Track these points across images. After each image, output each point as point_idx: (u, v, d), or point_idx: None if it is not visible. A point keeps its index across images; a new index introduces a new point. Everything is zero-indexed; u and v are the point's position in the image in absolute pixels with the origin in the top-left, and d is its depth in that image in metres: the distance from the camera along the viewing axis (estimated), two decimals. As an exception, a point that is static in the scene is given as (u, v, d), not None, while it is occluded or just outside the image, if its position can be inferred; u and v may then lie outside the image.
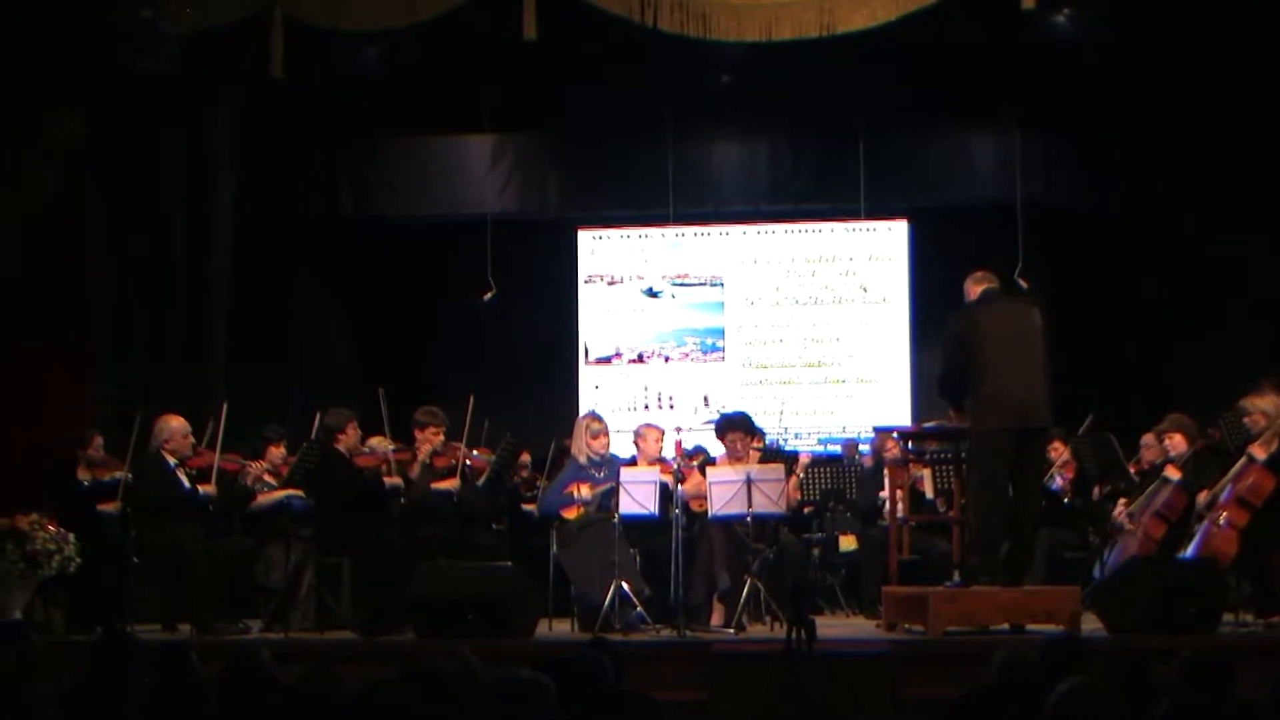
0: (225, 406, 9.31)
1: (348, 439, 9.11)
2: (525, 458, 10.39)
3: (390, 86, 10.91)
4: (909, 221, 12.30)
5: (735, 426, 9.17)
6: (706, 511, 8.74)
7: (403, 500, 9.20)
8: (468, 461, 9.36)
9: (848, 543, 10.33)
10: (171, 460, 9.01)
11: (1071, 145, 11.77)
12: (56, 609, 8.88)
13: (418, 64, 10.55)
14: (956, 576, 8.21)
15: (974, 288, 8.21)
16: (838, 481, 10.31)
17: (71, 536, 8.74)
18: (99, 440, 9.38)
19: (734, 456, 9.07)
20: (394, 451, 9.24)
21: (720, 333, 12.49)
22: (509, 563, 8.72)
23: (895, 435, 9.57)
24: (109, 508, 9.02)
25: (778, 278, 12.45)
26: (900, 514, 8.86)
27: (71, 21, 9.13)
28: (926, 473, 9.61)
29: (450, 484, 9.24)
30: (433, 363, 12.63)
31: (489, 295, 12.03)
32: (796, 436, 12.08)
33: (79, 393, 10.08)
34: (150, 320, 11.14)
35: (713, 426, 9.52)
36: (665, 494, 8.78)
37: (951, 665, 6.97)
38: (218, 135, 11.37)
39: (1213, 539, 8.14)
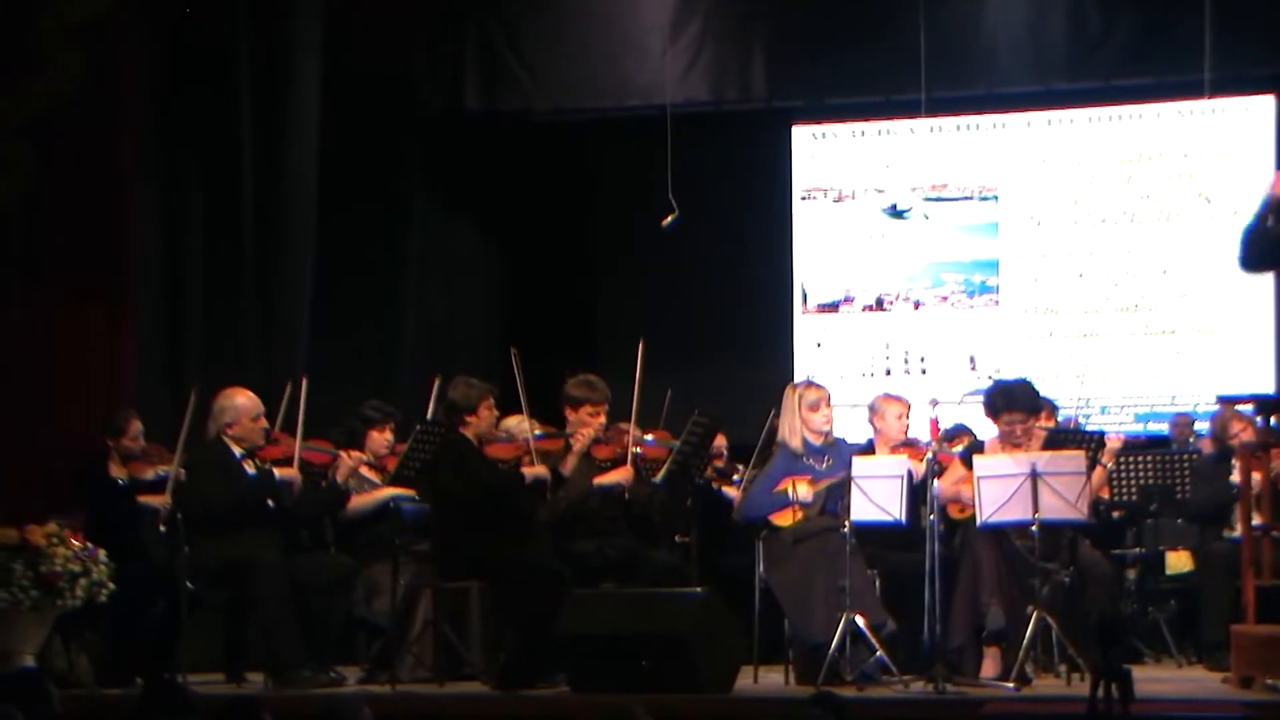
0: (305, 378, 9.38)
1: (479, 421, 9.14)
2: (721, 443, 10.35)
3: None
4: (1278, 97, 11.97)
5: (1013, 403, 8.97)
6: (973, 517, 8.63)
7: (553, 504, 9.25)
8: (639, 449, 9.38)
9: (1179, 561, 10.17)
10: (237, 450, 9.10)
11: None
12: (82, 652, 9.04)
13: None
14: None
15: None
16: (1163, 475, 10.09)
17: (102, 554, 8.86)
18: (137, 425, 9.53)
19: (1010, 443, 8.91)
20: (540, 438, 9.28)
21: (993, 266, 12.37)
22: (699, 589, 8.75)
23: (1249, 409, 9.28)
24: (154, 502, 9.16)
25: (1077, 186, 12.26)
26: (1257, 521, 8.57)
27: None
28: (1296, 462, 9.34)
29: (618, 476, 9.22)
30: (592, 314, 12.69)
31: (669, 219, 11.95)
32: (1103, 411, 11.94)
33: (112, 359, 10.25)
34: (209, 258, 11.30)
35: (981, 399, 9.33)
36: (915, 493, 8.70)
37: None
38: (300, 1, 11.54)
39: None
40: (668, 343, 10.70)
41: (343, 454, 9.50)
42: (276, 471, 9.15)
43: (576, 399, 9.33)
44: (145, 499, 9.27)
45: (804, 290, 12.57)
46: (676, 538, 9.88)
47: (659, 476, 9.44)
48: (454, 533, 8.98)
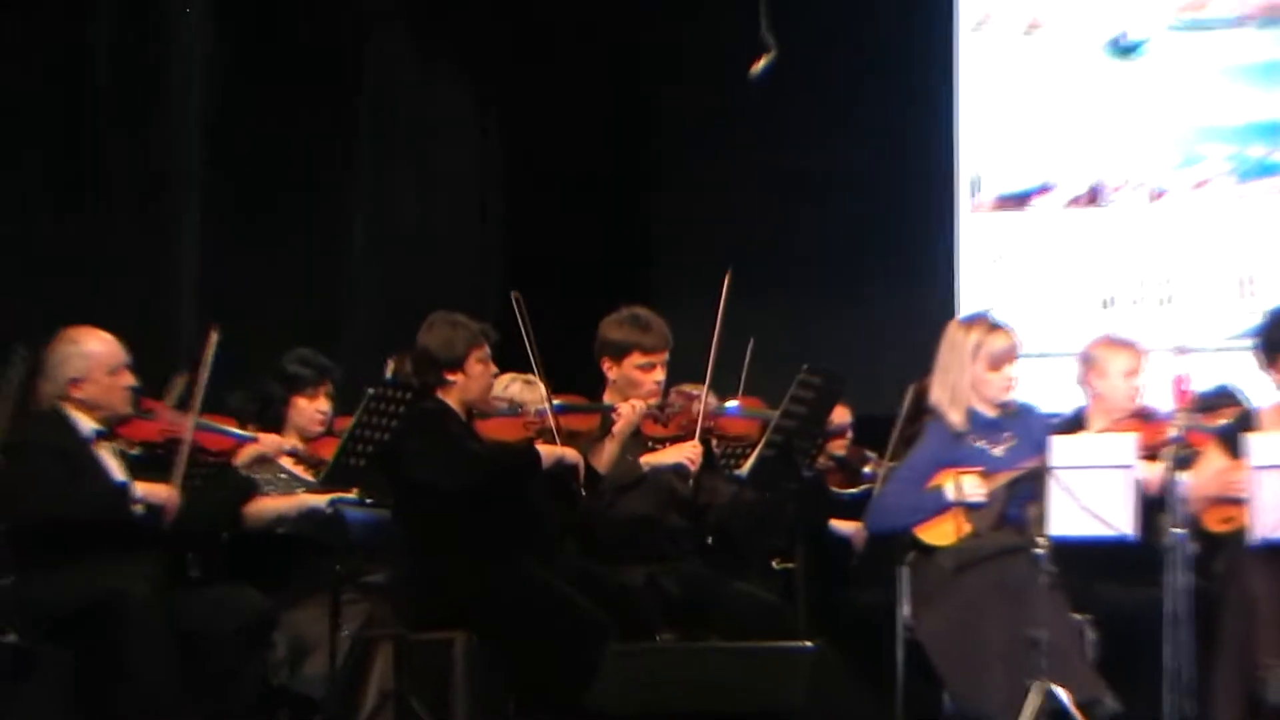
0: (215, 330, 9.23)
1: (468, 381, 9.26)
2: (843, 417, 10.45)
3: None
4: None
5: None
6: (1244, 530, 8.61)
7: (583, 507, 9.29)
8: (713, 424, 9.46)
9: None
10: (87, 424, 9.04)
11: None
12: None
13: None
14: None
15: None
16: None
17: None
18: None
19: (1299, 406, 8.92)
20: (562, 410, 9.28)
21: (1278, 132, 12.50)
22: (808, 643, 8.72)
23: None
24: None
25: None
26: None
27: None
28: None
29: (680, 454, 9.26)
30: (643, 217, 12.91)
31: (760, 66, 11.73)
32: None
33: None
34: (67, 161, 11.28)
35: (1252, 341, 9.31)
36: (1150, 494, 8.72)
37: None
38: None
39: None
40: (758, 261, 10.51)
41: (254, 436, 9.42)
42: (139, 488, 9.00)
43: (620, 345, 9.41)
44: None
45: (975, 176, 12.66)
46: (773, 562, 9.94)
47: (745, 468, 9.47)
48: (427, 553, 9.04)
